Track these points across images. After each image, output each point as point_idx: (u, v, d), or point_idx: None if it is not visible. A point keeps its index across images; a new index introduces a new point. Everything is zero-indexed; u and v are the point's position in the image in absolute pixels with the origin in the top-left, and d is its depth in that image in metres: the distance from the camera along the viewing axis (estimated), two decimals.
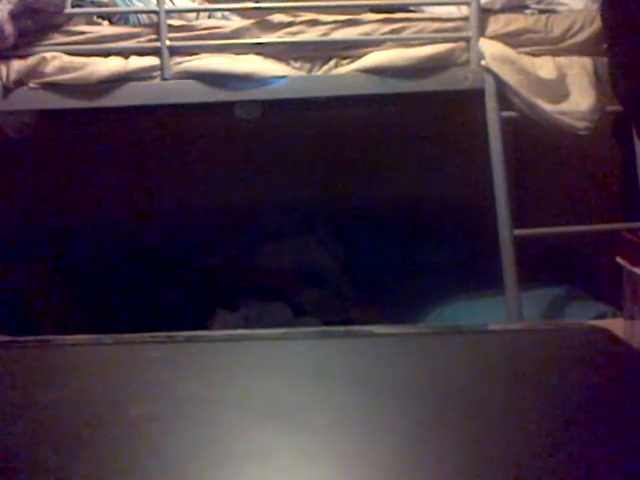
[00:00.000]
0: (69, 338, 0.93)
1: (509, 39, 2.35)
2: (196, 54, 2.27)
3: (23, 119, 2.34)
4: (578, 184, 3.15)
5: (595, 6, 2.30)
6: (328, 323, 2.73)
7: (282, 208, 3.35)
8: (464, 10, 2.38)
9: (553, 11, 2.46)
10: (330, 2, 2.51)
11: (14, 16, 2.10)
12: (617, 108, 2.17)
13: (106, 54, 2.23)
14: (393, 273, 3.04)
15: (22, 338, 0.96)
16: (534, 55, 2.36)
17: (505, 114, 2.34)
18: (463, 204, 3.32)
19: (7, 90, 2.16)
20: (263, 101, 2.45)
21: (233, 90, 2.29)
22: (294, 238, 3.29)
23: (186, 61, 2.26)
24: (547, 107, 2.30)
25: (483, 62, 2.31)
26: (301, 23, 2.32)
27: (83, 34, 2.24)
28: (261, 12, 2.35)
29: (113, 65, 2.21)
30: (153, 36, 2.25)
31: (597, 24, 2.29)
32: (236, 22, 2.36)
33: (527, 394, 0.70)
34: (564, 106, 2.31)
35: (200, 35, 2.29)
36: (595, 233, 2.65)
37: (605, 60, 2.14)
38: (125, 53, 2.24)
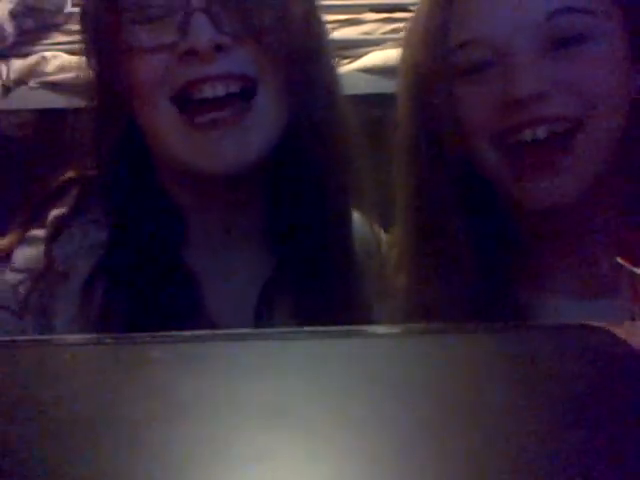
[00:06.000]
0: (69, 338, 0.92)
1: None
2: None
3: (23, 119, 2.34)
4: None
5: None
6: None
7: None
8: None
9: None
10: (330, 2, 2.51)
11: (14, 15, 2.10)
12: None
13: None
14: None
15: (22, 338, 0.96)
16: None
17: None
18: None
19: (7, 89, 2.16)
20: None
21: None
22: None
23: None
24: None
25: None
26: None
27: None
28: None
29: None
30: None
31: None
32: None
33: (526, 394, 0.70)
34: None
35: None
36: None
37: None
38: None
